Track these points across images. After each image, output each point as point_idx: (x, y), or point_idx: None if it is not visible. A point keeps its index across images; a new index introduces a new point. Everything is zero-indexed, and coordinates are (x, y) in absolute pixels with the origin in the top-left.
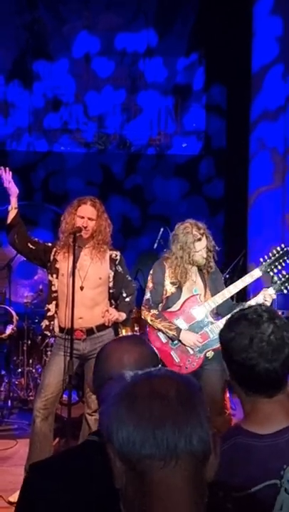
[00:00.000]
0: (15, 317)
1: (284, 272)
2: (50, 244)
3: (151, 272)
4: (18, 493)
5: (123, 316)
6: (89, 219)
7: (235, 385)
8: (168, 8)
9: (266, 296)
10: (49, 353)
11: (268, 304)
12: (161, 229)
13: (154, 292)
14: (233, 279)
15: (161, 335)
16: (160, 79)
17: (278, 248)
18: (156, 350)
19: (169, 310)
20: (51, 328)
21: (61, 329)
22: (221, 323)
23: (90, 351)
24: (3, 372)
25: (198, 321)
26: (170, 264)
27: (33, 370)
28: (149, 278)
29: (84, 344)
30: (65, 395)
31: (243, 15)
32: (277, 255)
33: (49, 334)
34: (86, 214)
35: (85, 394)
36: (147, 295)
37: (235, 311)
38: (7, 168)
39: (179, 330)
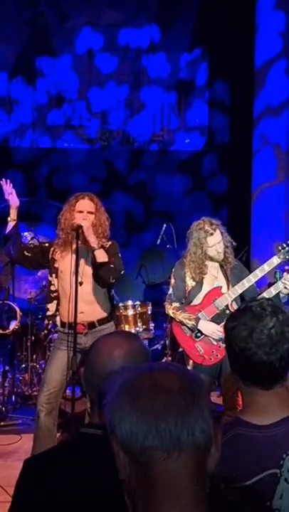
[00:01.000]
0: (18, 313)
1: None
2: (46, 244)
3: (173, 269)
4: None
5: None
6: (88, 212)
7: (235, 375)
8: (171, 4)
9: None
10: (52, 348)
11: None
12: (164, 225)
13: (175, 288)
14: None
15: (184, 328)
16: (163, 74)
17: None
18: (147, 347)
19: (191, 304)
20: (50, 326)
21: (63, 324)
22: None
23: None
24: (7, 368)
25: (219, 312)
26: (188, 262)
27: (37, 366)
28: (171, 275)
29: (85, 338)
30: (68, 390)
31: (246, 10)
32: None
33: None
34: (85, 208)
35: None
36: (170, 291)
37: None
38: (8, 180)
39: (197, 319)
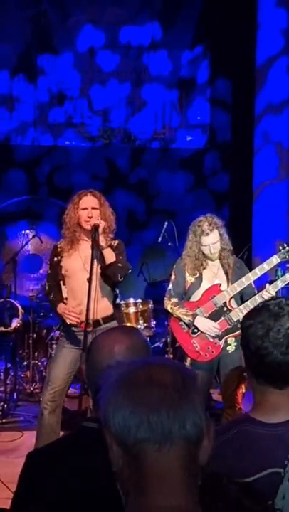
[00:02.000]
0: (20, 310)
1: None
2: (55, 259)
3: (174, 265)
4: None
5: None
6: (93, 208)
7: (249, 373)
8: (173, 2)
9: (284, 282)
10: (54, 346)
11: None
12: (166, 223)
13: (175, 283)
14: None
15: (182, 324)
16: (165, 72)
17: None
18: (148, 341)
19: (190, 300)
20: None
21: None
22: (239, 310)
23: None
24: (8, 365)
25: (216, 309)
26: (185, 257)
27: (39, 363)
28: (172, 271)
29: (91, 336)
30: (71, 388)
31: (248, 7)
32: None
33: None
34: (89, 204)
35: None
36: (169, 286)
37: (260, 300)
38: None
39: (194, 316)
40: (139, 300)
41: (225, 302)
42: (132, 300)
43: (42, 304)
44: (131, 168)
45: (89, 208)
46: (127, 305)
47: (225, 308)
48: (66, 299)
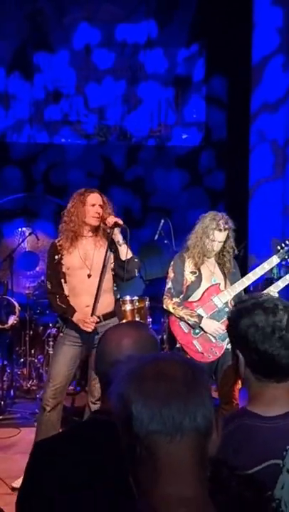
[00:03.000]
0: (17, 308)
1: None
2: (56, 257)
3: (172, 263)
4: (21, 479)
5: (120, 238)
6: (99, 206)
7: (247, 372)
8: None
9: (284, 282)
10: (51, 343)
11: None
12: (162, 220)
13: (175, 281)
14: None
15: (183, 324)
16: (160, 70)
17: None
18: (156, 336)
19: (189, 300)
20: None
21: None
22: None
23: (96, 339)
24: (5, 363)
25: (218, 310)
26: (189, 254)
27: (35, 360)
28: (170, 269)
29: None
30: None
31: (244, 6)
32: None
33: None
34: (97, 201)
35: (88, 383)
36: (169, 284)
37: (244, 298)
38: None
39: (200, 317)
40: (136, 297)
41: (226, 302)
42: (128, 297)
43: (39, 301)
44: (127, 166)
45: (96, 205)
46: (124, 302)
47: (227, 309)
48: (68, 296)
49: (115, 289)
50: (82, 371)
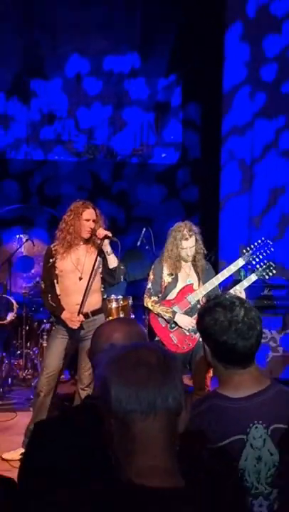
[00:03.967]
0: (15, 305)
1: (265, 261)
2: (50, 260)
3: (152, 266)
4: (11, 452)
5: (109, 249)
6: (93, 221)
7: (215, 361)
8: (150, 35)
9: (249, 281)
10: (45, 337)
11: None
12: (144, 229)
13: (154, 283)
14: None
15: (161, 320)
16: (143, 97)
17: (259, 241)
18: (144, 330)
19: (167, 299)
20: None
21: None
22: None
23: (85, 333)
24: (4, 354)
25: (191, 306)
26: (166, 260)
27: (31, 352)
28: (150, 272)
29: (82, 327)
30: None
31: (216, 41)
32: (257, 246)
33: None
34: (91, 217)
35: (78, 371)
36: (148, 285)
37: (211, 298)
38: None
39: (174, 313)
40: (120, 296)
41: (198, 300)
42: (113, 296)
43: (34, 299)
44: (113, 181)
45: (91, 220)
46: (110, 301)
47: (199, 306)
48: (59, 295)
49: (102, 289)
50: (72, 361)
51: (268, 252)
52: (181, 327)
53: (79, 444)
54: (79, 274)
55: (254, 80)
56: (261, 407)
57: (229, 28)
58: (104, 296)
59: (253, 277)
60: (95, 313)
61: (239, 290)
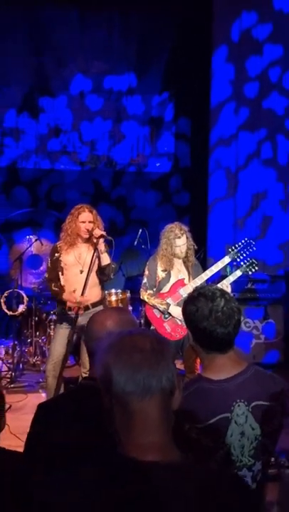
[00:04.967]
0: (25, 299)
1: (249, 258)
2: (56, 255)
3: (148, 263)
4: None
5: (103, 248)
6: (89, 222)
7: (197, 346)
8: (145, 57)
9: (234, 276)
10: (52, 326)
11: (230, 281)
12: (140, 230)
13: (149, 277)
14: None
15: (155, 311)
16: (139, 112)
17: (243, 240)
18: (134, 318)
19: (161, 292)
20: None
21: (69, 308)
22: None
23: (85, 323)
24: (15, 342)
25: (183, 299)
26: (160, 257)
27: (39, 340)
28: (146, 267)
29: (81, 318)
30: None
31: (204, 62)
32: (241, 246)
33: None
34: (86, 219)
35: (81, 357)
36: (144, 280)
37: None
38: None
39: (168, 304)
40: (119, 290)
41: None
42: (113, 290)
43: (42, 293)
44: (112, 187)
45: (86, 222)
46: (110, 294)
47: None
48: (64, 286)
49: (102, 283)
50: (76, 348)
51: (251, 250)
52: (174, 317)
53: (78, 421)
54: (80, 268)
55: (238, 96)
56: (241, 387)
57: (216, 50)
58: (104, 291)
59: (238, 273)
60: (95, 305)
61: (226, 284)
